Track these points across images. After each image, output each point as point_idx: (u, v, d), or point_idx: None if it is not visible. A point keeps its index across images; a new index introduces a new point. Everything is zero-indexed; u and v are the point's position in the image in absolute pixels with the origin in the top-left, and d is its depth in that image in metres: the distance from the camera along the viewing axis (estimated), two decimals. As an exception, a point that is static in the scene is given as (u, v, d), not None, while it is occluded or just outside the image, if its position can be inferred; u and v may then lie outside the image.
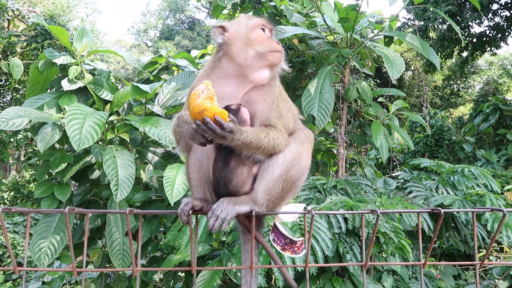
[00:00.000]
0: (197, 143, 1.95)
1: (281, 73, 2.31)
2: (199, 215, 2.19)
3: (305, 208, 2.10)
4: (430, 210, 2.10)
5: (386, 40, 6.03)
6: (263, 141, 1.97)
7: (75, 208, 1.77)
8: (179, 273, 5.43)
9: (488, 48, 24.05)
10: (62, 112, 4.83)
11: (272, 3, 7.04)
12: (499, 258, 7.49)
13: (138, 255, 2.06)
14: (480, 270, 7.89)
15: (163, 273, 5.34)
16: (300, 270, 4.17)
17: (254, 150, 1.98)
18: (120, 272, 5.19)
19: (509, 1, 21.59)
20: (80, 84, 5.07)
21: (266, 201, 2.00)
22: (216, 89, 2.10)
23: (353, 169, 6.73)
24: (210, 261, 4.36)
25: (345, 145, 5.89)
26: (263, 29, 2.25)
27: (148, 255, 5.57)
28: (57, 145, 5.01)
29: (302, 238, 2.12)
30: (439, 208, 1.97)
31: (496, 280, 7.26)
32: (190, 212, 1.94)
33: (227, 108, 2.06)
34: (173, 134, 2.21)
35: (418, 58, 26.75)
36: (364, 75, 7.20)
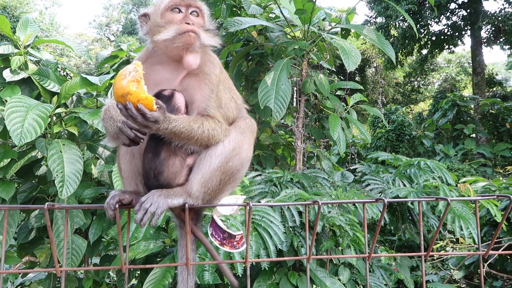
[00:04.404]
0: (121, 143, 1.80)
1: (214, 49, 2.14)
2: (136, 210, 2.05)
3: (244, 200, 2.00)
4: (374, 200, 2.05)
5: (343, 32, 6.02)
6: (195, 132, 1.84)
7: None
8: (136, 271, 5.24)
9: (446, 46, 24.88)
10: (4, 105, 4.54)
11: (231, -6, 6.90)
12: (455, 249, 7.68)
13: (64, 253, 1.91)
14: (437, 261, 8.10)
15: (115, 271, 5.14)
16: (254, 264, 4.07)
17: (186, 140, 1.85)
18: (69, 272, 4.96)
19: (466, 1, 22.29)
20: (23, 75, 4.78)
21: (202, 193, 1.88)
22: (151, 75, 1.97)
23: (311, 163, 6.70)
24: (162, 259, 4.21)
25: (303, 138, 5.84)
26: (178, 9, 2.04)
27: (100, 254, 5.34)
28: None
29: (242, 232, 2.01)
30: (383, 198, 1.92)
31: (452, 271, 7.46)
32: (117, 206, 1.79)
33: (160, 93, 1.93)
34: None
35: (381, 55, 27.28)
36: (328, 71, 7.17)
